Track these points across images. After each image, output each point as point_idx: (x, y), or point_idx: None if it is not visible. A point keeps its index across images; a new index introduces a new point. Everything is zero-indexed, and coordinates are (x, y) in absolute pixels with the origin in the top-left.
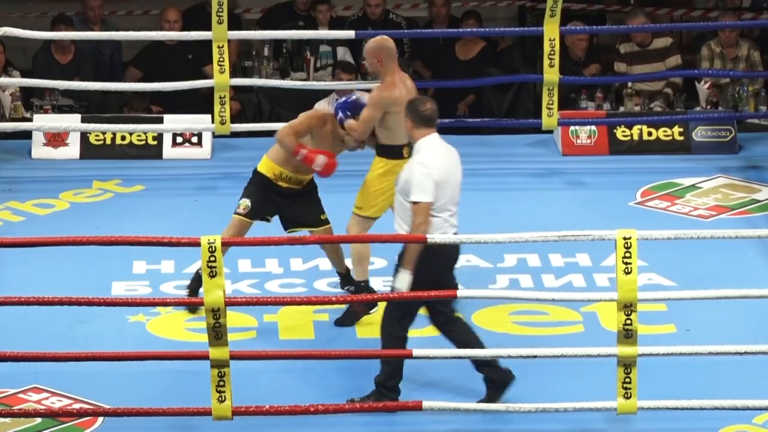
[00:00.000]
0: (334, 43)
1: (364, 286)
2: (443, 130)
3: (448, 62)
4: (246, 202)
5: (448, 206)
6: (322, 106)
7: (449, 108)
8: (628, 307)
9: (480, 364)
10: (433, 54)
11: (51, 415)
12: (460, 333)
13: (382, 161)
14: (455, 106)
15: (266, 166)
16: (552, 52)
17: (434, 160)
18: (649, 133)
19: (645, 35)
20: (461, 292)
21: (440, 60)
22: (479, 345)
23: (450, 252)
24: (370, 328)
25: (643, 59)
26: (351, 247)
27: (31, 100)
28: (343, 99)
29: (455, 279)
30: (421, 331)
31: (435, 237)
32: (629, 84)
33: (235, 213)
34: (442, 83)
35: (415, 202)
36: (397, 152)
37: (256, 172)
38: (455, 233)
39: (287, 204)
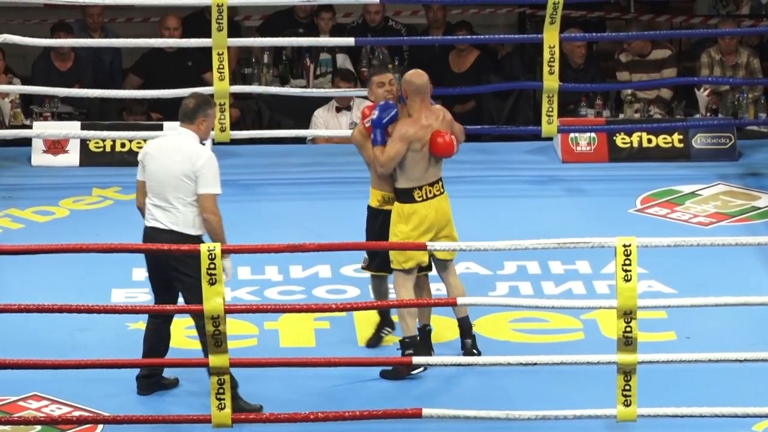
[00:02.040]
0: (333, 50)
1: (409, 342)
2: None
3: (442, 74)
4: (365, 255)
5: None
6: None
7: None
8: (628, 315)
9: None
10: (428, 65)
11: (51, 422)
12: (154, 335)
13: (395, 207)
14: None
15: (372, 196)
16: (552, 59)
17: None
18: (649, 141)
19: (643, 45)
20: (461, 299)
21: (434, 71)
22: (158, 355)
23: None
24: (371, 335)
25: (641, 69)
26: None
27: (30, 108)
28: (383, 112)
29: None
30: None
31: None
32: (629, 90)
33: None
34: (440, 91)
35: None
36: (406, 195)
37: (367, 209)
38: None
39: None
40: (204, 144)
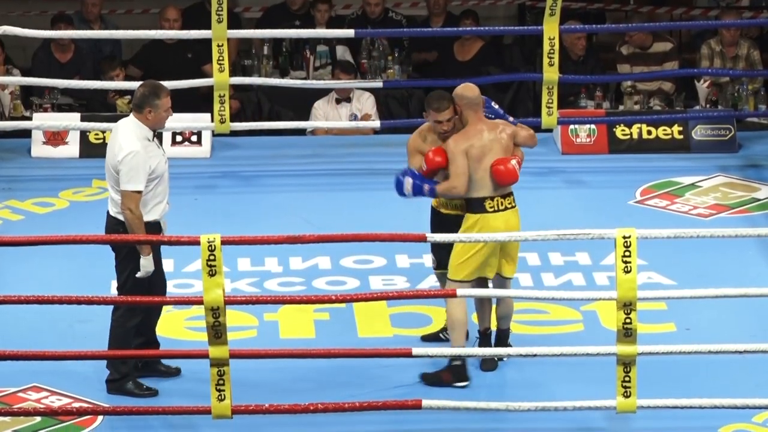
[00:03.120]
0: (332, 42)
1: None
2: None
3: (447, 63)
4: (432, 257)
5: None
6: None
7: None
8: (627, 306)
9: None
10: (424, 61)
11: (50, 413)
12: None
13: (466, 217)
14: None
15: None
16: (551, 51)
17: None
18: (649, 132)
19: (645, 38)
20: (461, 291)
21: (438, 61)
22: (124, 346)
23: None
24: (371, 326)
25: (642, 62)
26: (447, 313)
27: (30, 99)
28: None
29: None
30: (421, 330)
31: None
32: (629, 82)
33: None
34: (441, 82)
35: None
36: (480, 206)
37: (431, 210)
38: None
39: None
40: (149, 135)
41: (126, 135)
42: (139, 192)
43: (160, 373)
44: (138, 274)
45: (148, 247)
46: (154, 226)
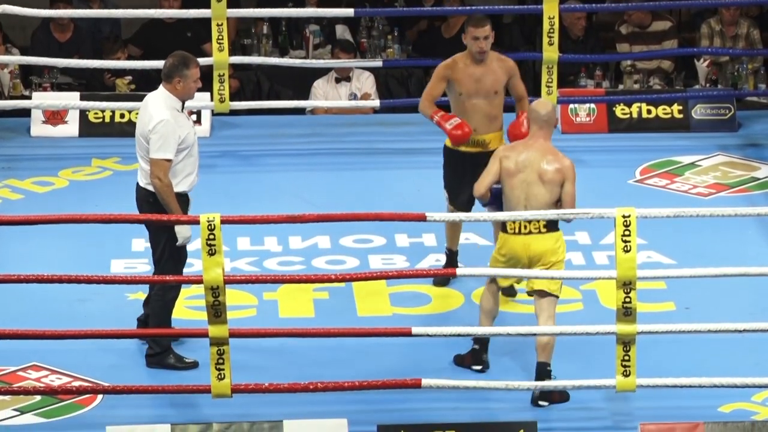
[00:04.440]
0: (324, 21)
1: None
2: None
3: (436, 40)
4: (445, 193)
5: None
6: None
7: None
8: (627, 285)
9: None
10: (424, 32)
11: (50, 392)
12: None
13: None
14: None
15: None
16: (551, 30)
17: None
18: (648, 111)
19: (644, 17)
20: (461, 270)
21: (426, 39)
22: (165, 320)
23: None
24: (370, 305)
25: (641, 41)
26: (481, 303)
27: (30, 78)
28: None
29: None
30: (421, 309)
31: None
32: (629, 61)
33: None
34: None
35: None
36: (503, 225)
37: (443, 149)
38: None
39: (474, 170)
40: (178, 106)
41: (156, 105)
42: (169, 161)
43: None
44: (178, 243)
45: (180, 213)
46: (183, 198)
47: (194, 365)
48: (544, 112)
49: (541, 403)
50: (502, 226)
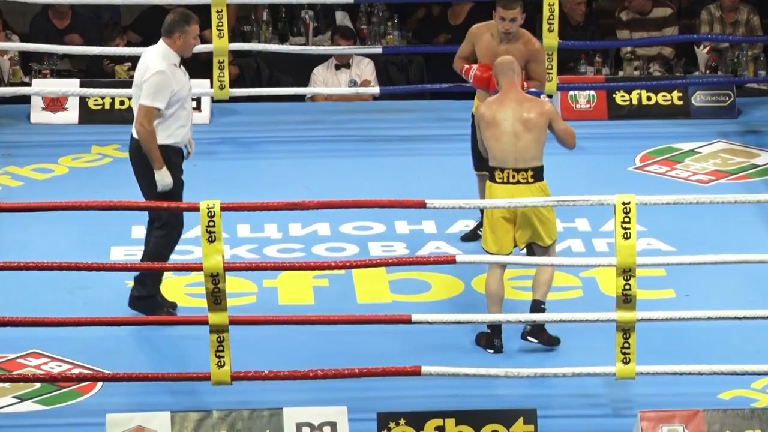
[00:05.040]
0: (317, 6)
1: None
2: (441, 95)
3: (441, 27)
4: (472, 156)
5: None
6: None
7: (447, 73)
8: (627, 272)
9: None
10: (426, 19)
11: (50, 380)
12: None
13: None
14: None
15: (476, 103)
16: (551, 17)
17: None
18: (648, 98)
19: (644, 3)
20: (461, 257)
21: (434, 25)
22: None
23: None
24: (370, 293)
25: (642, 27)
26: (486, 288)
27: (29, 65)
28: None
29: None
30: (420, 297)
31: None
32: (629, 48)
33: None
34: (441, 48)
35: None
36: (491, 175)
37: (471, 117)
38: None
39: None
40: (176, 60)
41: (154, 57)
42: (157, 109)
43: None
44: (158, 190)
45: (160, 161)
46: (177, 151)
47: (173, 307)
48: (507, 62)
49: (530, 338)
50: (490, 176)
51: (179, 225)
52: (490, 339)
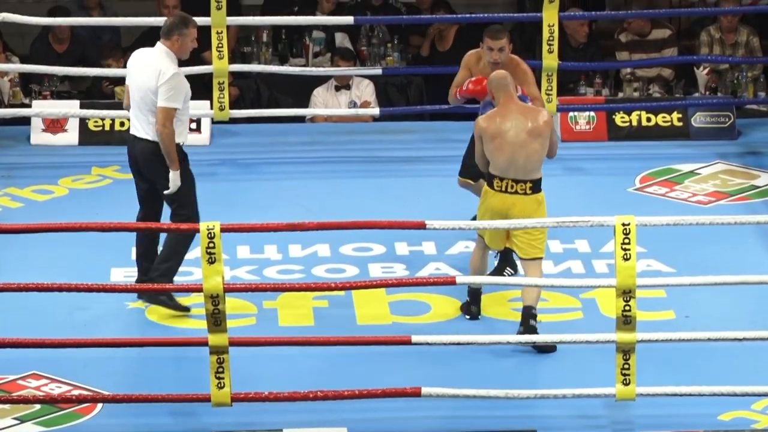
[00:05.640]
0: (329, 28)
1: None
2: (441, 116)
3: (433, 52)
4: (461, 163)
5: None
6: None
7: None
8: (627, 294)
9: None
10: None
11: (50, 401)
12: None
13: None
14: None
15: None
16: (551, 38)
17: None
18: (648, 119)
19: (643, 25)
20: (461, 278)
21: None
22: (180, 253)
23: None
24: (370, 314)
25: (641, 49)
26: (470, 263)
27: (29, 86)
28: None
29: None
30: (420, 318)
31: None
32: (629, 69)
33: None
34: (441, 69)
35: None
36: (489, 181)
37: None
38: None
39: None
40: (175, 62)
41: (161, 60)
42: (176, 110)
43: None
44: (166, 192)
45: (176, 162)
46: (181, 149)
47: (186, 310)
48: (501, 77)
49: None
50: (489, 182)
51: (197, 221)
52: (467, 306)
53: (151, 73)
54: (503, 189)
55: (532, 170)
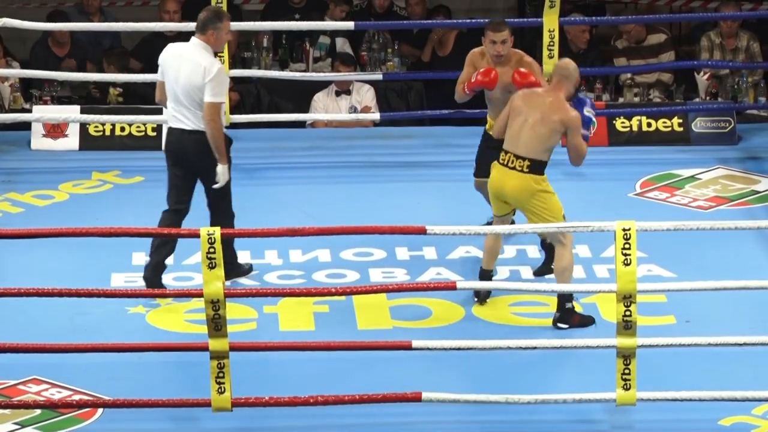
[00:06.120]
0: (333, 34)
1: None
2: (441, 121)
3: (432, 58)
4: (474, 164)
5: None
6: (321, 98)
7: (446, 99)
8: (627, 299)
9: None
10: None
11: (51, 406)
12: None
13: None
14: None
15: (488, 121)
16: (551, 43)
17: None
18: (649, 124)
19: (639, 31)
20: (461, 283)
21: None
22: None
23: None
24: (370, 319)
25: (638, 55)
26: (485, 242)
27: (30, 92)
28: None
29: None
30: (420, 323)
31: None
32: (629, 74)
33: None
34: (441, 74)
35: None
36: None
37: (483, 131)
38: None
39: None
40: (216, 55)
41: (202, 55)
42: (222, 104)
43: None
44: (215, 186)
45: (225, 156)
46: (227, 135)
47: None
48: (565, 65)
49: (559, 325)
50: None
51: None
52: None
53: (194, 69)
54: (504, 162)
55: (532, 150)
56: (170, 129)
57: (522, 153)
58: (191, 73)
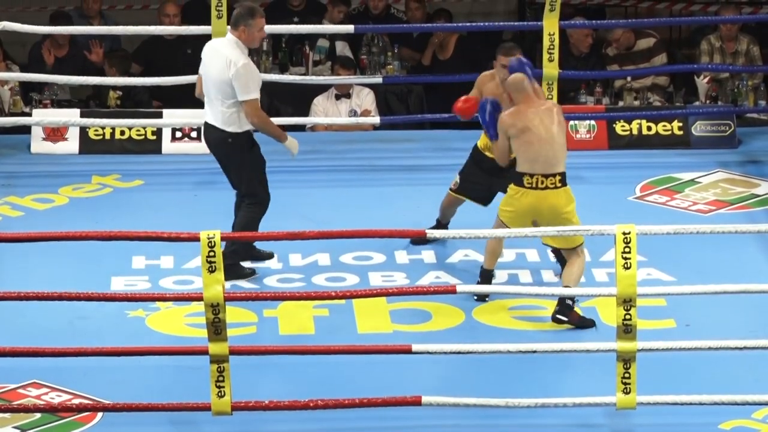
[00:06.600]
0: (333, 37)
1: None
2: (441, 125)
3: (434, 61)
4: (456, 179)
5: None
6: (321, 102)
7: (446, 103)
8: (627, 302)
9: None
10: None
11: (50, 410)
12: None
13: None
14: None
15: (481, 138)
16: (551, 47)
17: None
18: (649, 128)
19: (628, 37)
20: (461, 287)
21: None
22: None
23: None
24: (370, 323)
25: (630, 61)
26: (487, 243)
27: (30, 95)
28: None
29: None
30: (420, 327)
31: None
32: (628, 79)
33: (449, 189)
34: (442, 78)
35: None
36: (518, 180)
37: (473, 148)
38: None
39: (496, 175)
40: (245, 51)
41: (231, 50)
42: (257, 99)
43: (254, 258)
44: (291, 156)
45: (283, 134)
46: (251, 136)
47: (254, 274)
48: (518, 80)
49: (559, 317)
50: (517, 181)
51: (268, 200)
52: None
53: (222, 63)
54: (534, 185)
55: (558, 163)
56: (204, 122)
57: (549, 170)
58: (220, 67)
